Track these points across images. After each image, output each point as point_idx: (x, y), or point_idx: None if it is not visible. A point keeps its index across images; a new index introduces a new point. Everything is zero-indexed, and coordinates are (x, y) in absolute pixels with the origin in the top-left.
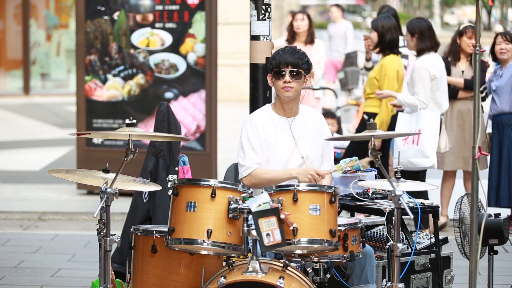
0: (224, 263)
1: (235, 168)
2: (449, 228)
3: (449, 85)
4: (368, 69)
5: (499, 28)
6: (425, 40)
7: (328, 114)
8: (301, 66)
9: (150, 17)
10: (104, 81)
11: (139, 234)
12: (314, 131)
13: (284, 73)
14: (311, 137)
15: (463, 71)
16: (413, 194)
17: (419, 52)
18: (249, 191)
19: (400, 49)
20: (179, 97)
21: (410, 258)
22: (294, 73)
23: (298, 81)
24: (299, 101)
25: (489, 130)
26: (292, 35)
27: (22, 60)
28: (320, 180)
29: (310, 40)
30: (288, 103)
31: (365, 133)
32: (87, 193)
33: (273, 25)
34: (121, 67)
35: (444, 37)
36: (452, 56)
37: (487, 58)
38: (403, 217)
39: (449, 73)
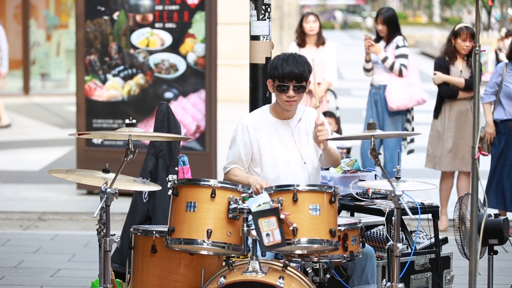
0: (224, 263)
1: None
2: (449, 228)
3: (449, 85)
4: (368, 70)
5: (504, 29)
6: None
7: (326, 113)
8: (305, 77)
9: (150, 17)
10: (104, 81)
11: (139, 234)
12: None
13: (288, 87)
14: (310, 138)
15: (461, 71)
16: None
17: None
18: (249, 191)
19: (400, 49)
20: (179, 97)
21: (410, 258)
22: (298, 87)
23: (301, 94)
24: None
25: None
26: (303, 38)
27: (22, 60)
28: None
29: (322, 41)
30: (288, 110)
31: (365, 133)
32: (87, 193)
33: (273, 25)
34: (121, 67)
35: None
36: (449, 56)
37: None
38: (403, 217)
39: (448, 72)
